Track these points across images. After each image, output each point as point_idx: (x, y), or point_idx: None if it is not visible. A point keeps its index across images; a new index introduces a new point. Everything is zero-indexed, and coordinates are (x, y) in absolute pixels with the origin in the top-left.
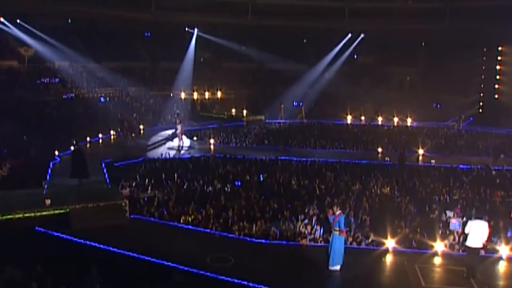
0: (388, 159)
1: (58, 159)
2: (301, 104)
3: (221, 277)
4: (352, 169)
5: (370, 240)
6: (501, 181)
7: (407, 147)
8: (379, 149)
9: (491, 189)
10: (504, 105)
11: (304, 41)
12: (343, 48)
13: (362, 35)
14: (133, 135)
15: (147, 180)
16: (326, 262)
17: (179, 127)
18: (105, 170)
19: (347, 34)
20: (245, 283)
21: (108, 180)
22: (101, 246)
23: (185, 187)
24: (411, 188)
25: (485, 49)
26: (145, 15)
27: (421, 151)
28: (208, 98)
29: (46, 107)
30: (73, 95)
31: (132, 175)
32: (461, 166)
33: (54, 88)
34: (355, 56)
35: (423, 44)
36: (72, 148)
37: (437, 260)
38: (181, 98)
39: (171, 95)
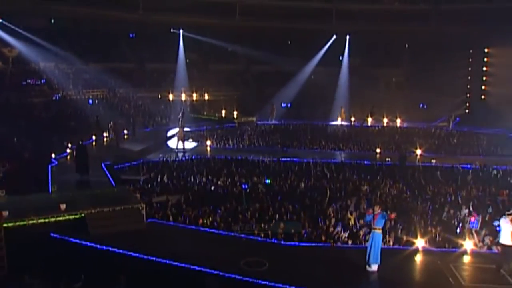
0: (389, 159)
1: (56, 162)
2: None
3: (261, 282)
4: (356, 170)
5: (392, 240)
6: (502, 180)
7: (404, 148)
8: (377, 150)
9: (495, 188)
10: (491, 105)
11: (289, 42)
12: (332, 50)
13: (348, 37)
14: (125, 137)
15: (154, 183)
16: (363, 262)
17: (180, 129)
18: (108, 173)
19: (332, 36)
20: (287, 287)
21: (114, 183)
22: (126, 252)
23: (195, 189)
24: (418, 188)
25: (471, 51)
26: (133, 15)
27: (418, 151)
28: (196, 100)
29: (35, 109)
30: (60, 96)
31: (137, 178)
32: (461, 165)
33: (40, 90)
34: (340, 58)
35: (406, 46)
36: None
37: (469, 259)
38: (169, 100)
39: (159, 96)
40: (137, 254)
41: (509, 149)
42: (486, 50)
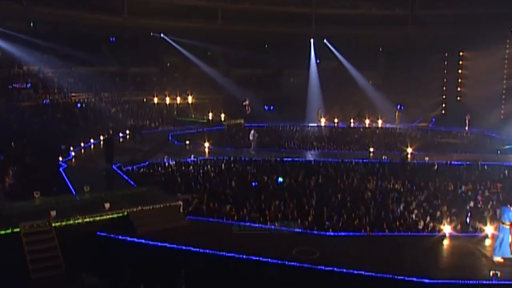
0: (385, 157)
1: (65, 165)
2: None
3: (318, 267)
4: (358, 168)
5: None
6: (493, 174)
7: (395, 147)
8: (371, 149)
9: (489, 181)
10: (466, 106)
11: (266, 46)
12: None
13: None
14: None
15: (171, 183)
16: (398, 247)
17: (252, 132)
18: (123, 174)
19: (310, 39)
20: (343, 270)
21: (135, 184)
22: (182, 247)
23: (214, 188)
24: (421, 184)
25: (446, 54)
26: (117, 19)
27: (409, 150)
28: (180, 103)
29: (25, 113)
30: (49, 100)
31: (152, 179)
32: (453, 162)
33: (27, 94)
34: (318, 61)
35: (380, 49)
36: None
37: (491, 242)
38: (154, 103)
39: (144, 100)
40: (197, 249)
41: (491, 147)
42: (461, 53)
